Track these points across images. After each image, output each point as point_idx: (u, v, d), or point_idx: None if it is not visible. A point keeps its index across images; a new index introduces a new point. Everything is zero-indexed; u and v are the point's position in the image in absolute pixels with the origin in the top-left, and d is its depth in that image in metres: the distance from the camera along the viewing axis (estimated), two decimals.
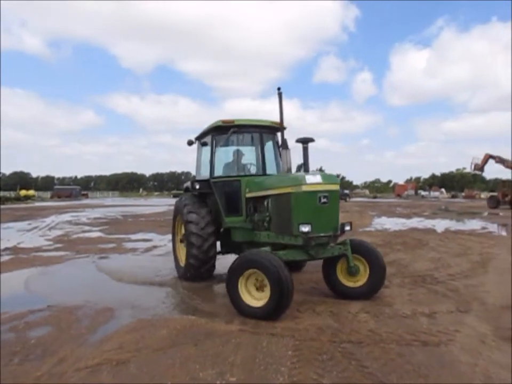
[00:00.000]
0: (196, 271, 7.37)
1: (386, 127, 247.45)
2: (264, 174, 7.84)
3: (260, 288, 5.48)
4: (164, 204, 48.30)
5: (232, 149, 8.19)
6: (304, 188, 5.73)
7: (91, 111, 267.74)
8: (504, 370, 3.85)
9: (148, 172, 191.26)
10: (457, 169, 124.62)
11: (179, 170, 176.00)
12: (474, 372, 3.82)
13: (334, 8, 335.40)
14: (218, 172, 7.85)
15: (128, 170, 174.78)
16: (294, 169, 7.03)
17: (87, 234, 16.24)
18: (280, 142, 7.93)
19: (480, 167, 38.89)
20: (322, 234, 5.76)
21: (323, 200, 5.72)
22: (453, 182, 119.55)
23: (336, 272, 6.41)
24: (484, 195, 69.10)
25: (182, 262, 7.89)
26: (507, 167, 36.38)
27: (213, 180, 7.55)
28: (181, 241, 8.08)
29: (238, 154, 8.09)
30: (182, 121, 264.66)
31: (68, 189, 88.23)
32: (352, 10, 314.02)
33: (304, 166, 6.47)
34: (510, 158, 36.54)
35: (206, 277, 7.55)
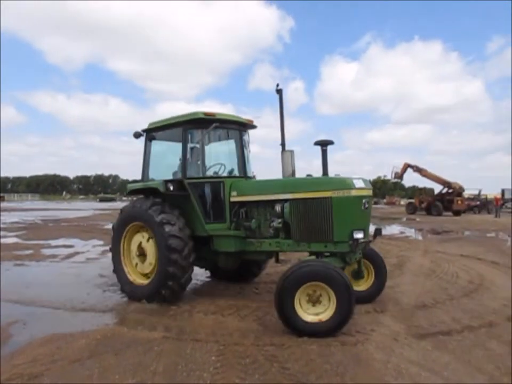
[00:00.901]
0: (166, 298, 6.35)
1: (316, 134, 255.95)
2: (245, 175, 7.19)
3: (313, 302, 5.04)
4: (89, 208, 46.22)
5: (194, 145, 7.06)
6: (354, 193, 5.43)
7: (11, 108, 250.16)
8: (414, 366, 4.11)
9: (72, 174, 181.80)
10: (379, 177, 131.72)
11: (106, 173, 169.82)
12: (387, 368, 4.05)
13: (271, 19, 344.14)
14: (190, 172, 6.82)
15: (51, 172, 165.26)
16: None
17: (1, 240, 15.07)
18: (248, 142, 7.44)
19: (400, 176, 41.14)
20: (363, 240, 5.53)
21: (366, 205, 5.55)
22: (375, 189, 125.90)
23: None
24: (403, 202, 73.43)
25: (135, 280, 6.80)
26: (423, 175, 39.00)
27: (188, 181, 6.64)
28: (139, 255, 6.82)
29: (206, 152, 7.11)
30: (112, 122, 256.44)
31: None
32: (288, 22, 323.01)
33: (323, 170, 5.90)
34: (426, 167, 39.30)
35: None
